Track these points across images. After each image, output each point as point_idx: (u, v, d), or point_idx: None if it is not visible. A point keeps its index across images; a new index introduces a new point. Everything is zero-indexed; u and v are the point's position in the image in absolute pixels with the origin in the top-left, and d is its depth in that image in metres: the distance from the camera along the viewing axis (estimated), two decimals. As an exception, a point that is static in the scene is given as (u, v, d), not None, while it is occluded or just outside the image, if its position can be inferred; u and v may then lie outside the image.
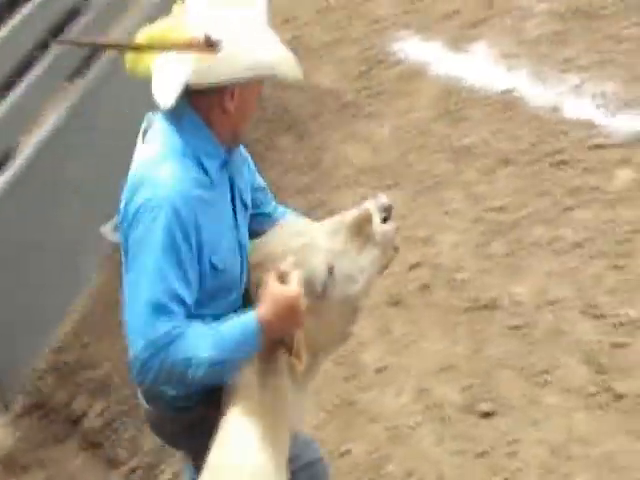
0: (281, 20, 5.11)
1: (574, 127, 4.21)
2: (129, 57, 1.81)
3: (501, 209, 3.83)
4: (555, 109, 4.35)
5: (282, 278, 1.81)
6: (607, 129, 4.18)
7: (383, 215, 2.07)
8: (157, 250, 1.73)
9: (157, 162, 1.81)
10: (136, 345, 1.72)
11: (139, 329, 1.71)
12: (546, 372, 3.28)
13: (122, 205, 1.83)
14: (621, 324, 3.35)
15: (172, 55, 1.76)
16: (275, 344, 1.84)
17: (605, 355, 3.29)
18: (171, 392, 1.83)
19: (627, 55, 4.63)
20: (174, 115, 1.83)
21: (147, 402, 2.03)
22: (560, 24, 4.89)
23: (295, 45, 4.72)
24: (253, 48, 1.78)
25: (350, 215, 2.00)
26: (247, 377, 1.86)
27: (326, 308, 1.95)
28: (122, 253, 1.87)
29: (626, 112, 4.29)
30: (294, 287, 1.80)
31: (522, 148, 4.12)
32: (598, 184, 3.89)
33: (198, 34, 1.72)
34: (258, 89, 1.90)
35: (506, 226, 3.76)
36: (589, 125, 4.21)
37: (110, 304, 3.50)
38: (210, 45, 1.72)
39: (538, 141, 4.20)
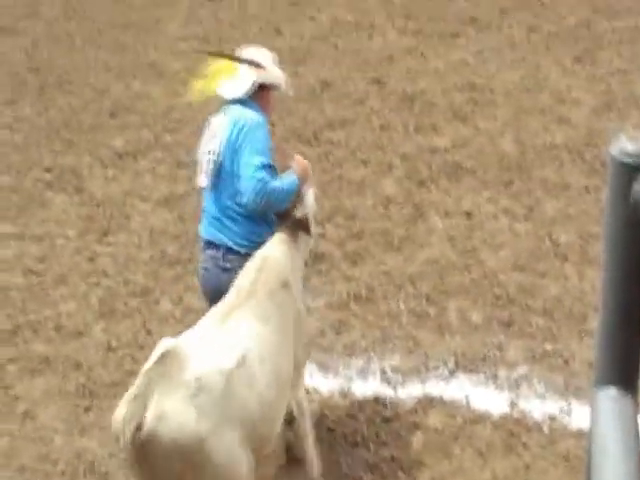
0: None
1: (365, 406, 5.46)
2: (200, 85, 5.08)
3: None
4: (345, 394, 5.61)
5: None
6: (395, 401, 5.47)
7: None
8: (258, 141, 4.75)
9: (243, 113, 4.91)
10: (250, 186, 4.65)
11: (251, 175, 4.64)
12: None
13: (224, 137, 4.83)
14: None
15: (238, 75, 5.03)
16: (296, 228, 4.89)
17: None
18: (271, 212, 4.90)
19: (405, 329, 6.15)
20: (240, 102, 4.99)
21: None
22: (339, 313, 6.34)
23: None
24: (276, 69, 5.17)
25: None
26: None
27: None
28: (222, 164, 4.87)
29: (410, 380, 5.63)
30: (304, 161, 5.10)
31: (318, 434, 5.28)
32: (393, 453, 5.05)
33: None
34: (274, 95, 5.26)
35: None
36: (378, 401, 5.48)
37: None
38: (259, 66, 5.04)
39: (334, 426, 5.37)
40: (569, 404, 5.58)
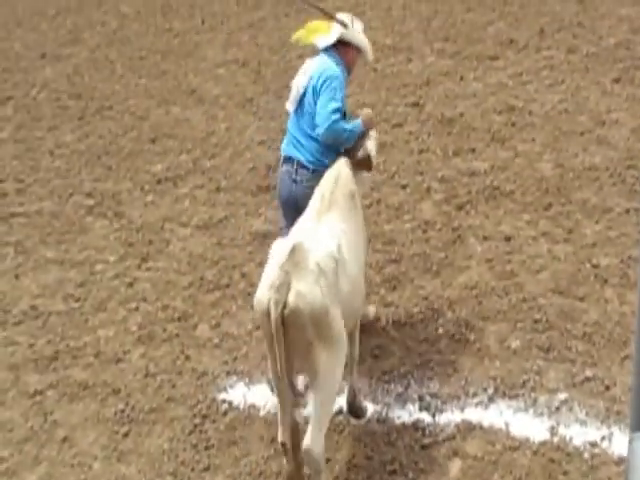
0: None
1: (403, 433, 5.47)
2: (299, 34, 6.35)
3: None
4: (383, 420, 5.61)
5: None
6: (433, 427, 5.46)
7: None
8: (335, 90, 5.98)
9: (327, 63, 6.15)
10: (325, 123, 5.90)
11: (327, 116, 5.90)
12: None
13: (308, 82, 6.11)
14: None
15: (330, 31, 6.28)
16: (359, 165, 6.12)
17: None
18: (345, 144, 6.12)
19: (444, 354, 6.19)
20: (326, 52, 6.25)
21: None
22: (378, 338, 6.35)
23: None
24: (361, 35, 6.33)
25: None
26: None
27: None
28: (304, 97, 6.17)
29: (449, 406, 5.62)
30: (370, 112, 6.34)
31: (356, 462, 5.26)
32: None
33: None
34: (357, 57, 6.40)
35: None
36: (416, 427, 5.48)
37: None
38: (344, 24, 6.27)
39: (371, 453, 5.35)
40: (610, 430, 5.50)
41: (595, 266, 7.08)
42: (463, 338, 6.42)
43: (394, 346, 6.45)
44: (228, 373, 6.48)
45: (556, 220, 7.74)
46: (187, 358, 6.68)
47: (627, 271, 6.94)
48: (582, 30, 12.00)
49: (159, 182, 9.43)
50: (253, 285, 7.33)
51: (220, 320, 7.02)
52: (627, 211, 7.75)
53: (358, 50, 6.33)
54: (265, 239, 7.98)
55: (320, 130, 5.93)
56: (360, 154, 6.11)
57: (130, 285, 7.67)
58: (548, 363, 6.11)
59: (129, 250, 8.22)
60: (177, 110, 11.20)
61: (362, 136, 6.15)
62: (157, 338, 6.95)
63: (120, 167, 9.87)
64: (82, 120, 11.29)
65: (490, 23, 12.57)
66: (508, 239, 7.52)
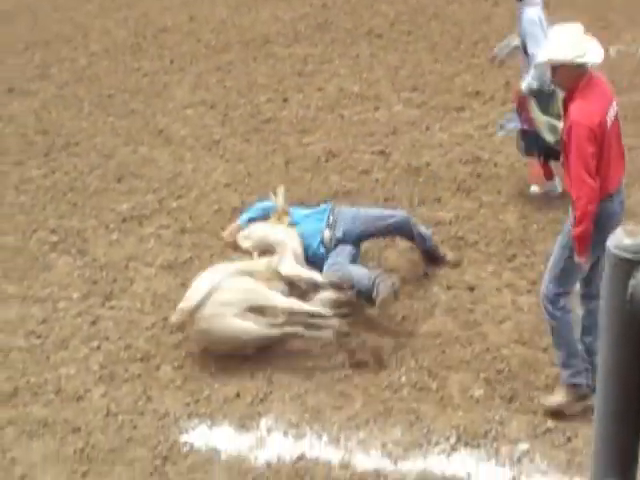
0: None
1: (364, 478, 5.44)
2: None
3: None
4: (345, 465, 5.61)
5: None
6: (395, 474, 5.46)
7: None
8: None
9: None
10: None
11: None
12: None
13: None
14: None
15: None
16: None
17: None
18: None
19: (406, 402, 6.24)
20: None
21: None
22: (341, 384, 6.34)
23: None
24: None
25: None
26: None
27: None
28: None
29: (411, 454, 5.63)
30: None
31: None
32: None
33: None
34: None
35: None
36: (378, 474, 5.49)
37: None
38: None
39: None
40: (571, 482, 5.57)
41: (557, 318, 7.18)
42: (426, 387, 6.47)
43: (357, 393, 6.48)
44: (190, 415, 6.46)
45: (520, 271, 7.86)
46: (149, 399, 6.65)
47: (588, 322, 7.05)
48: (547, 84, 12.25)
49: (124, 221, 9.41)
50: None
51: (183, 362, 7.00)
52: (589, 263, 7.88)
53: None
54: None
55: None
56: None
57: (93, 323, 7.64)
58: (510, 413, 6.17)
59: (92, 288, 8.19)
60: (144, 150, 11.21)
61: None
62: (119, 378, 6.91)
63: (85, 205, 9.85)
64: (48, 156, 11.25)
65: (457, 74, 12.78)
66: (472, 289, 7.62)
